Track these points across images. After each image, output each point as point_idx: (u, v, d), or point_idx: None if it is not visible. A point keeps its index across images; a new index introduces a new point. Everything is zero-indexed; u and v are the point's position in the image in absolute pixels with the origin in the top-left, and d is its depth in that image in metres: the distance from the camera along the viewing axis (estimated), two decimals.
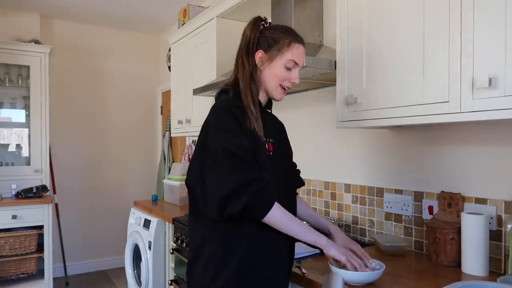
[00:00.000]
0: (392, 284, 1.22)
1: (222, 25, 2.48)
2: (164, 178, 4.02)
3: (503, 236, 1.35)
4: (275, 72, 1.25)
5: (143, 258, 2.57)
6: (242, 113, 1.19)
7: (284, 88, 1.29)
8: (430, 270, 1.38)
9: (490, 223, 1.36)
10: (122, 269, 4.13)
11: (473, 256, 1.30)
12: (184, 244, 2.20)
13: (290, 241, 1.26)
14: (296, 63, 1.26)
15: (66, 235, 4.09)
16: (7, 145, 3.65)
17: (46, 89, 3.58)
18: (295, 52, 1.25)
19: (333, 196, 2.08)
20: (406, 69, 1.30)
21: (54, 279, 3.71)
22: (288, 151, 1.42)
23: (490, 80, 1.05)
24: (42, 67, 3.57)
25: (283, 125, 1.46)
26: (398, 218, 1.73)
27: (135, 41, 4.53)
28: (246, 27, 1.28)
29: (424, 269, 1.40)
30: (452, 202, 1.48)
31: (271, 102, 1.37)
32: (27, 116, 3.66)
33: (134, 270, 2.81)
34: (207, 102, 2.55)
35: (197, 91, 2.40)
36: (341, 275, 1.15)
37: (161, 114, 4.58)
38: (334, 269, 1.19)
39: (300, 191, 2.24)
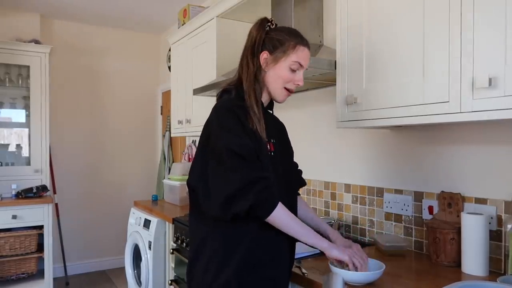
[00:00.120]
0: (392, 284, 1.22)
1: (222, 25, 2.48)
2: (164, 178, 4.03)
3: (503, 236, 1.35)
4: (279, 73, 1.25)
5: (143, 258, 2.57)
6: (244, 113, 1.18)
7: (289, 91, 1.28)
8: (430, 270, 1.38)
9: (490, 223, 1.36)
10: (122, 269, 4.13)
11: (473, 256, 1.30)
12: (184, 244, 2.20)
13: (291, 241, 1.26)
14: (301, 65, 1.26)
15: (66, 235, 4.09)
16: (7, 145, 3.65)
17: (46, 89, 3.58)
18: (300, 55, 1.25)
19: (333, 196, 2.08)
20: (406, 69, 1.30)
21: (54, 279, 3.71)
22: (289, 152, 1.42)
23: (490, 80, 1.05)
24: (42, 67, 3.57)
25: (283, 125, 1.46)
26: (398, 218, 1.73)
27: (135, 41, 4.53)
28: (252, 27, 1.28)
29: (424, 269, 1.40)
30: (452, 202, 1.48)
31: (273, 103, 1.38)
32: (27, 116, 3.66)
33: (134, 270, 2.82)
34: (207, 102, 2.55)
35: (197, 91, 2.40)
36: (341, 275, 1.15)
37: (161, 114, 4.58)
38: (334, 269, 1.19)
39: (300, 191, 2.23)
